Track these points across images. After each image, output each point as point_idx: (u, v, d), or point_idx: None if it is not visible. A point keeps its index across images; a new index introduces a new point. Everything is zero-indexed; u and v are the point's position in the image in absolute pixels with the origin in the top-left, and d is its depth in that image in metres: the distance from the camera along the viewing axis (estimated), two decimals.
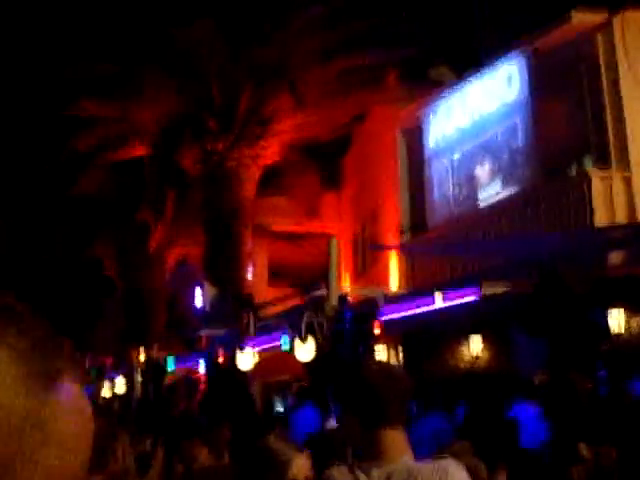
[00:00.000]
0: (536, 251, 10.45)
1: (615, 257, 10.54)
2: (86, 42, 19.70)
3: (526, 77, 15.08)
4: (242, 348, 11.66)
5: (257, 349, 13.10)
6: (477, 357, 15.06)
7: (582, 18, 13.66)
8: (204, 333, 17.27)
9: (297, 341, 9.97)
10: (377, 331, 10.97)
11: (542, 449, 8.06)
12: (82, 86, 20.02)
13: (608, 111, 13.59)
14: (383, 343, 15.74)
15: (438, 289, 9.95)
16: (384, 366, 3.21)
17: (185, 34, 18.82)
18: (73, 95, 20.28)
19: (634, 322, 11.97)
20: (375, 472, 2.54)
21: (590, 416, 8.56)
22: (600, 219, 12.75)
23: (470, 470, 3.88)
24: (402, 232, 18.52)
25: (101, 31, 19.66)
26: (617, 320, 11.64)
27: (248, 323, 13.27)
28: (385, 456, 2.57)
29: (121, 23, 19.51)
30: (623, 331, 11.79)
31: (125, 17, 19.51)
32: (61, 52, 19.65)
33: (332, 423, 8.31)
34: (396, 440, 2.62)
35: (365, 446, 2.65)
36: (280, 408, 16.50)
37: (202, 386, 18.01)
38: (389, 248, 18.29)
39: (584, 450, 4.89)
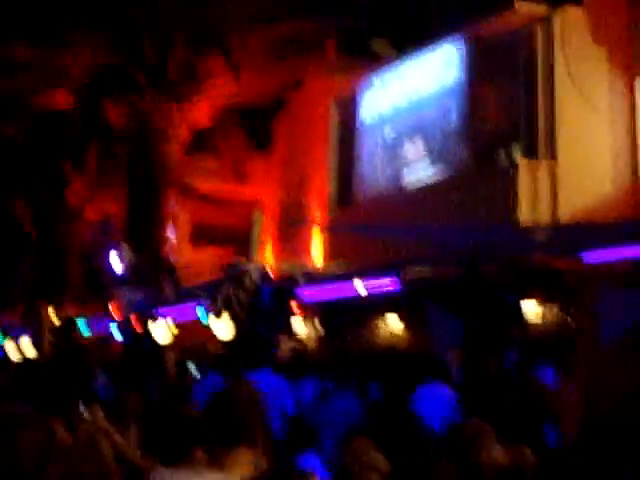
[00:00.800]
0: (458, 242, 10.48)
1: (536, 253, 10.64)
2: None
3: (465, 61, 15.03)
4: (155, 318, 11.39)
5: (173, 320, 12.87)
6: (394, 335, 15.16)
7: (525, 8, 13.68)
8: (119, 295, 16.90)
9: (212, 316, 9.81)
10: (295, 309, 10.88)
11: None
12: (9, 28, 19.26)
13: (540, 102, 13.67)
14: (301, 318, 15.73)
15: (358, 276, 9.87)
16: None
17: None
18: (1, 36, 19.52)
19: (548, 312, 12.15)
20: None
21: (500, 399, 8.68)
22: (525, 207, 12.91)
23: (369, 466, 3.80)
24: (328, 204, 18.44)
25: None
26: (532, 308, 11.83)
27: (165, 289, 13.02)
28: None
29: None
30: (537, 320, 11.98)
31: None
32: None
33: None
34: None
35: None
36: (196, 373, 16.31)
37: (116, 351, 17.65)
38: (309, 225, 18.19)
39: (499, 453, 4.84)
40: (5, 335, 22.02)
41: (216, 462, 3.15)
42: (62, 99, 21.33)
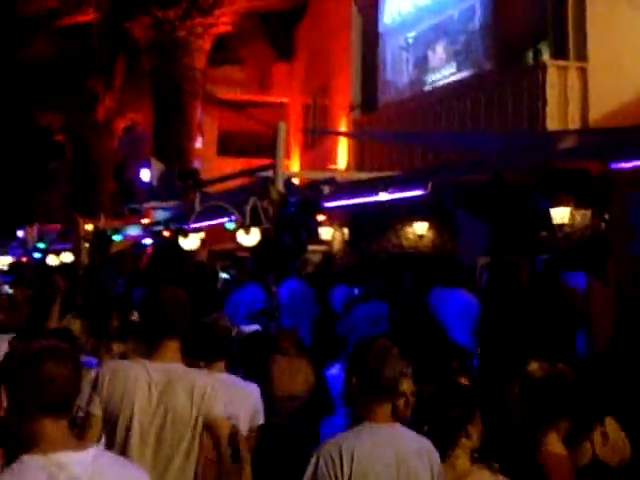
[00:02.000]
0: (485, 147, 10.37)
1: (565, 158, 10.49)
2: None
3: None
4: (186, 233, 11.52)
5: (201, 225, 13.07)
6: (421, 236, 15.26)
7: None
8: (150, 206, 17.12)
9: (241, 231, 9.89)
10: (321, 218, 10.91)
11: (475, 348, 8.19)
12: None
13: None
14: (328, 225, 15.83)
15: (384, 183, 9.86)
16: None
17: None
18: None
19: (578, 216, 12.09)
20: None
21: (529, 305, 8.72)
22: (553, 110, 12.64)
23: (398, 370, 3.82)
24: (352, 109, 18.30)
25: None
26: (561, 213, 11.76)
27: (193, 200, 13.10)
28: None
29: None
30: (567, 224, 11.94)
31: None
32: None
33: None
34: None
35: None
36: (225, 276, 16.60)
37: (148, 253, 18.06)
38: (331, 133, 18.09)
39: (535, 367, 4.87)
40: (45, 243, 22.68)
41: (150, 352, 3.95)
42: (88, 17, 21.29)
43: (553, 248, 11.57)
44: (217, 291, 12.70)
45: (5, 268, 26.86)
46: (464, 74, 15.09)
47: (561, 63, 12.95)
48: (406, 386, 4.42)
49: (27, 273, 21.12)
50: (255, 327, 7.97)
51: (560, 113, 12.64)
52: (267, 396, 5.28)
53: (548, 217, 11.71)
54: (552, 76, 12.80)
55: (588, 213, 11.93)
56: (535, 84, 12.89)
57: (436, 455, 3.61)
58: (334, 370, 6.57)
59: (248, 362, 6.08)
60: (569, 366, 5.12)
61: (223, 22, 20.51)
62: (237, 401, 4.67)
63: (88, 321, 7.14)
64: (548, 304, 8.58)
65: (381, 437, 3.54)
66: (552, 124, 12.48)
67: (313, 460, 3.49)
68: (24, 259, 25.11)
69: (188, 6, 19.81)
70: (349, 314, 9.84)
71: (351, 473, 3.44)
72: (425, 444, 3.61)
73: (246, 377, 5.23)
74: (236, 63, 22.18)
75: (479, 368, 7.32)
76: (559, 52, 13.18)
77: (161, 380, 3.87)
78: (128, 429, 3.81)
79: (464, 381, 4.82)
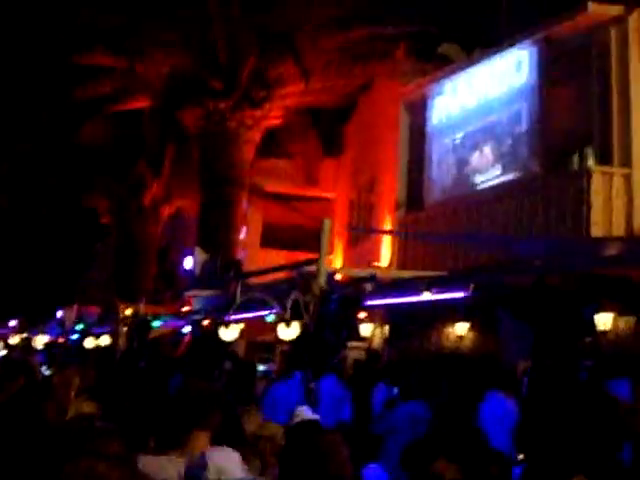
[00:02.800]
0: (529, 250, 10.36)
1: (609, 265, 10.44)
2: None
3: (536, 63, 14.85)
4: (227, 324, 11.58)
5: (241, 316, 13.10)
6: (462, 337, 15.09)
7: (598, 9, 13.42)
8: (191, 294, 17.25)
9: (282, 324, 9.92)
10: (362, 314, 10.90)
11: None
12: (92, 37, 19.85)
13: (615, 105, 13.38)
14: (368, 322, 15.77)
15: (427, 283, 9.86)
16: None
17: None
18: (83, 44, 20.14)
19: (622, 324, 11.92)
20: None
21: (570, 412, 8.52)
22: (598, 216, 12.63)
23: None
24: (397, 207, 18.43)
25: None
26: (605, 320, 11.60)
27: (235, 291, 13.19)
28: None
29: None
30: (611, 332, 11.76)
31: None
32: (73, 2, 19.41)
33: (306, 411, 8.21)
34: None
35: None
36: (263, 368, 16.52)
37: (186, 341, 18.07)
38: (375, 232, 18.19)
39: None
40: (84, 325, 22.82)
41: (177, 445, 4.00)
42: (140, 104, 21.86)
43: (596, 354, 11.38)
44: (253, 383, 12.65)
45: (40, 347, 27.04)
46: (509, 176, 15.18)
47: (606, 169, 13.00)
48: None
49: (60, 354, 21.19)
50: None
51: (604, 219, 12.62)
52: None
53: (592, 323, 11.56)
54: (597, 182, 12.84)
55: (632, 320, 11.76)
56: (580, 189, 12.92)
57: None
58: (371, 470, 6.46)
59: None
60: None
61: (273, 115, 20.92)
62: None
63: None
64: (592, 413, 8.40)
65: None
66: (596, 230, 12.46)
67: None
68: (61, 339, 25.24)
69: (239, 98, 20.25)
70: (388, 414, 9.70)
71: None
72: None
73: None
74: (284, 156, 22.52)
75: (520, 476, 7.14)
76: (604, 158, 13.25)
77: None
78: None
79: None
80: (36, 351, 25.85)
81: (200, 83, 20.07)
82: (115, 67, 20.96)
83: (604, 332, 11.67)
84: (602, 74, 13.64)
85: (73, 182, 25.53)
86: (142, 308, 18.84)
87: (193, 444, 4.02)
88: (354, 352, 14.23)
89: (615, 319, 11.67)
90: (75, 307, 25.20)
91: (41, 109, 22.13)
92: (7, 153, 23.69)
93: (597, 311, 11.51)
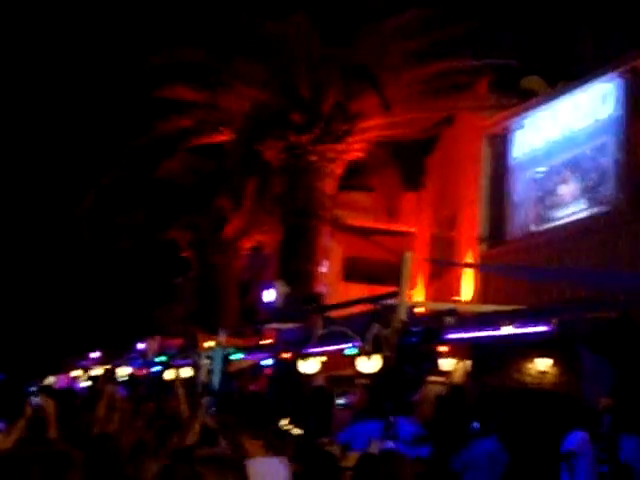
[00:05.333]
0: (612, 286, 10.16)
1: None
2: (179, 28, 19.97)
3: (621, 96, 14.63)
4: (306, 357, 11.63)
5: (321, 350, 13.11)
6: (544, 373, 14.82)
7: None
8: (272, 327, 17.34)
9: (362, 357, 9.92)
10: (444, 349, 10.81)
11: None
12: (175, 71, 20.33)
13: None
14: (450, 356, 15.60)
15: (509, 318, 9.75)
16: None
17: (280, 28, 18.84)
18: (166, 79, 20.62)
19: None
20: None
21: None
22: None
23: None
24: (479, 242, 18.27)
25: (196, 19, 19.88)
26: None
27: (315, 324, 13.25)
28: None
29: (216, 11, 19.68)
30: None
31: (220, 5, 19.67)
32: (155, 36, 19.96)
33: (387, 443, 8.20)
34: None
35: None
36: (342, 401, 16.48)
37: (266, 374, 18.14)
38: (458, 265, 18.05)
39: None
40: (166, 356, 23.04)
41: None
42: (222, 137, 22.20)
43: None
44: (332, 416, 12.65)
45: (124, 379, 27.41)
46: (594, 210, 14.93)
47: None
48: None
49: (142, 386, 21.45)
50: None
51: None
52: None
53: None
54: None
55: None
56: None
57: None
58: None
59: None
60: None
61: (355, 149, 20.98)
62: None
63: None
64: None
65: None
66: None
67: None
68: (143, 371, 25.54)
69: (321, 132, 20.38)
70: (467, 449, 9.60)
71: None
72: None
73: None
74: (365, 190, 22.55)
75: None
76: None
77: None
78: None
79: None
80: (118, 382, 26.23)
81: (282, 116, 20.28)
82: (197, 101, 21.35)
83: None
84: None
85: (154, 216, 25.98)
86: (223, 340, 18.98)
87: None
88: (435, 387, 14.10)
89: None
90: (158, 339, 25.53)
91: (124, 143, 22.70)
92: (90, 186, 24.31)
93: None
